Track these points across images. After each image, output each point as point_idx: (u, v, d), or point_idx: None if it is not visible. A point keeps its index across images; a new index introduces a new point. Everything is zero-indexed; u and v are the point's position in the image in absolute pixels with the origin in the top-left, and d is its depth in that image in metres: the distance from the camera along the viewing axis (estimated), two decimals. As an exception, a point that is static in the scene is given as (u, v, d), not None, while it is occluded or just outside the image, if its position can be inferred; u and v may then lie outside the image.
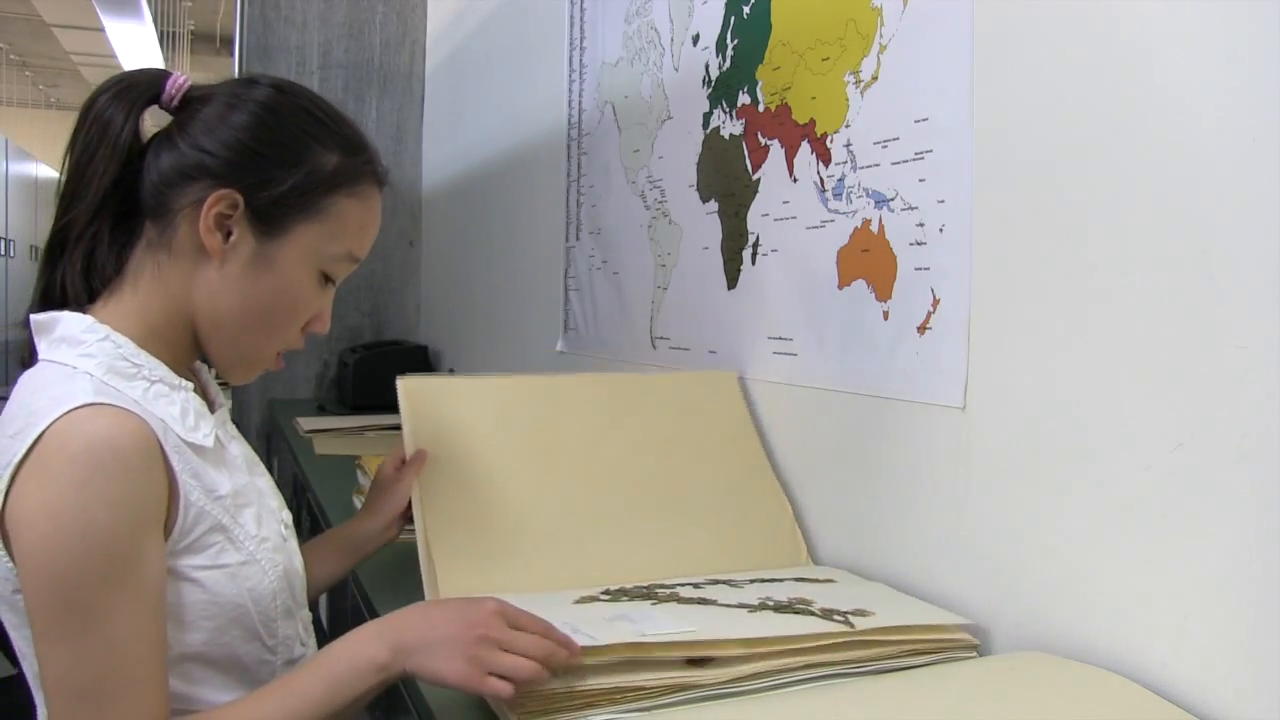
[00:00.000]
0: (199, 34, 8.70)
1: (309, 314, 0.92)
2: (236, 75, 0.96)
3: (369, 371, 2.80)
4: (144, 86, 0.89)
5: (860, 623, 0.86)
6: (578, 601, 0.94)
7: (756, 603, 0.91)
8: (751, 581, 1.01)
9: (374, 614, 1.08)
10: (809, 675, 0.81)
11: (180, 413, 0.85)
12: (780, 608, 0.90)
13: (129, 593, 0.75)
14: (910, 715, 0.74)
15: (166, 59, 8.28)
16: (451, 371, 2.80)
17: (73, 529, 0.74)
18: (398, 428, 2.40)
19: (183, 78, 0.90)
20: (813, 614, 0.89)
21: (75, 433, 0.75)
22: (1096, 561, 0.81)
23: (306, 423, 2.33)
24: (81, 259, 0.88)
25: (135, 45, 7.58)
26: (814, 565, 1.13)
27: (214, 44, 8.79)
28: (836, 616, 0.88)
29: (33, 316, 0.86)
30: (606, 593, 0.97)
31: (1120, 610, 0.79)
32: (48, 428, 0.75)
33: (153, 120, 0.91)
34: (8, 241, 5.34)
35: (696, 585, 1.00)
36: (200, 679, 0.84)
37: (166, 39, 8.24)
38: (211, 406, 0.98)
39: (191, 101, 0.89)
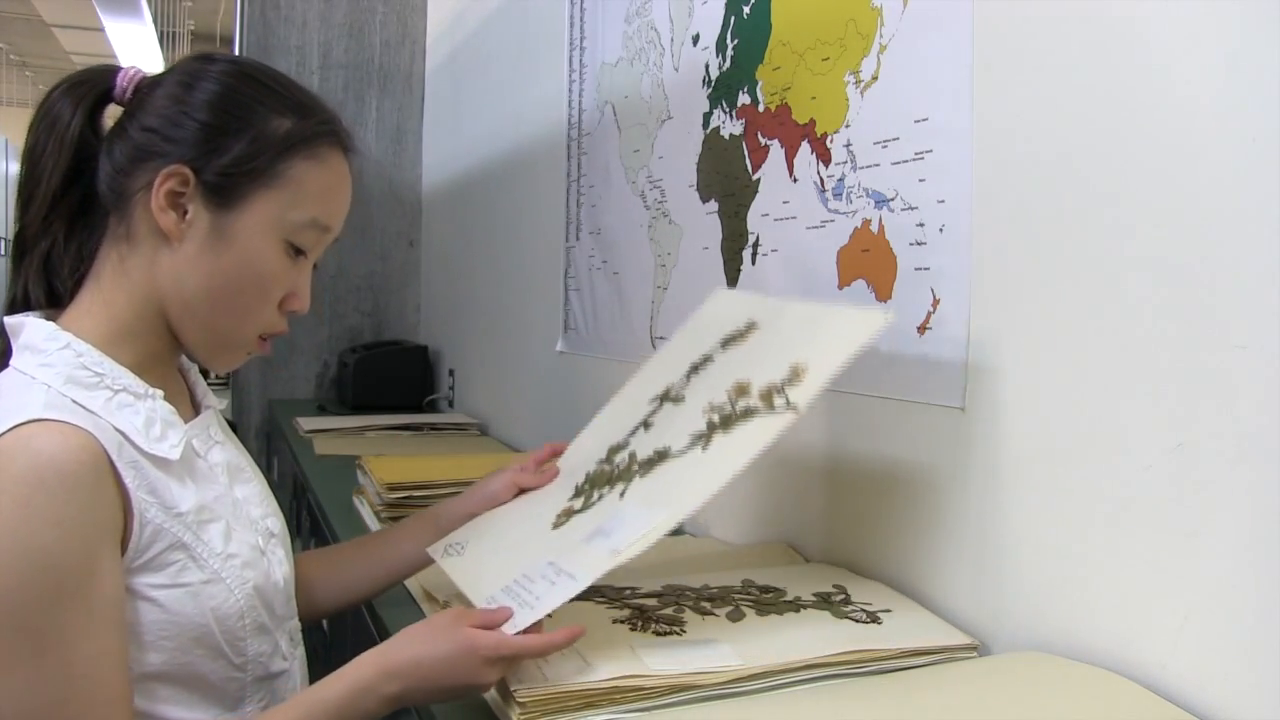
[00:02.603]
0: (199, 34, 8.69)
1: (281, 290, 0.88)
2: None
3: (369, 371, 2.80)
4: (94, 82, 0.88)
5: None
6: (555, 526, 0.93)
7: (706, 428, 0.89)
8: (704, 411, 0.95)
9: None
10: (809, 676, 0.81)
11: (144, 423, 0.81)
12: (726, 420, 0.88)
13: (83, 613, 0.73)
14: (910, 715, 0.74)
15: (166, 59, 8.27)
16: (452, 373, 2.80)
17: (17, 550, 0.71)
18: (397, 428, 2.42)
19: (134, 70, 0.89)
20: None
21: (18, 450, 0.73)
22: (1096, 561, 0.81)
23: (306, 423, 2.33)
24: (39, 261, 0.87)
25: (135, 45, 7.57)
26: (806, 562, 1.13)
27: (214, 44, 8.79)
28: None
29: (6, 320, 0.84)
30: (575, 492, 0.97)
31: (1120, 610, 0.79)
32: None
33: (113, 118, 0.90)
34: (7, 241, 5.34)
35: (646, 425, 0.99)
36: (164, 697, 0.81)
37: (166, 39, 8.24)
38: (198, 408, 0.95)
39: (142, 90, 0.88)
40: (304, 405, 2.80)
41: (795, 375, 0.87)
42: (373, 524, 1.46)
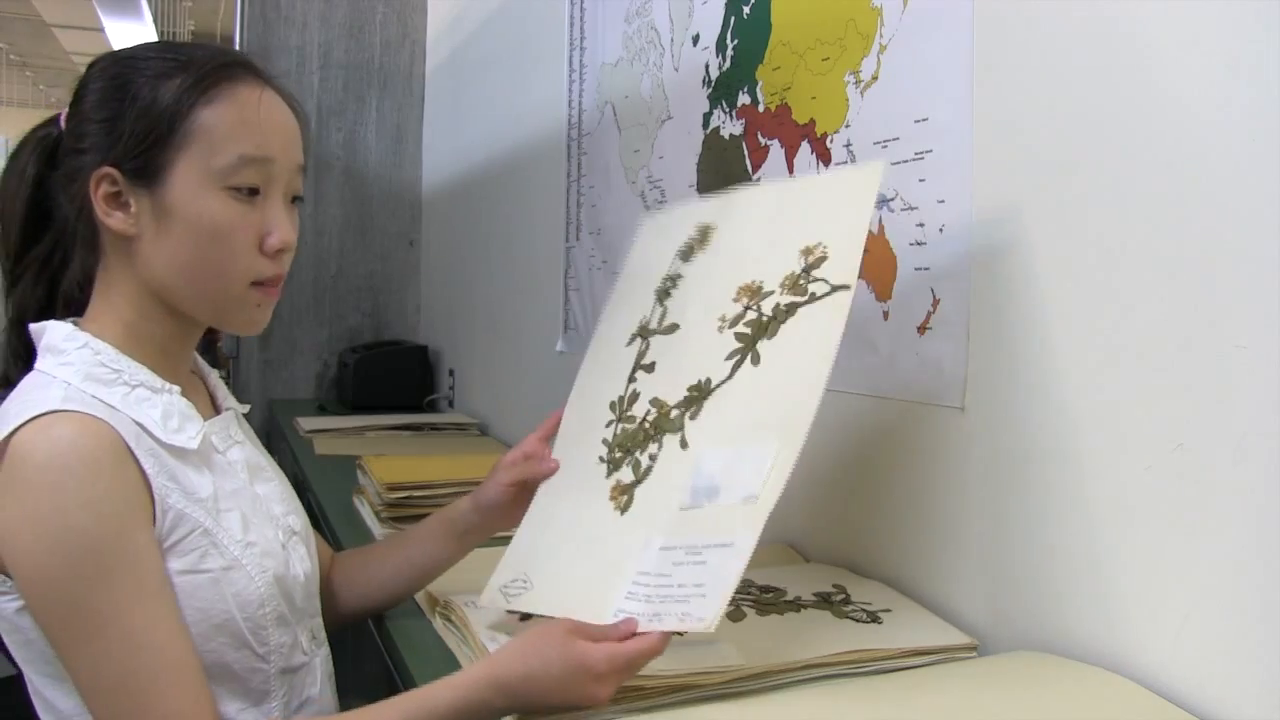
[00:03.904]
0: (199, 34, 8.69)
1: (246, 237, 0.87)
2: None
3: (369, 371, 2.80)
4: (44, 131, 0.92)
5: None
6: (621, 510, 0.85)
7: (739, 342, 0.85)
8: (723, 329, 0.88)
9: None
10: (809, 676, 0.81)
11: (162, 416, 0.84)
12: (762, 326, 0.83)
13: (130, 587, 0.75)
14: (910, 715, 0.74)
15: (167, 59, 8.26)
16: (452, 373, 2.80)
17: (54, 535, 0.74)
18: (397, 428, 2.41)
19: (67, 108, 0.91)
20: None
21: (39, 440, 0.76)
22: (1096, 561, 0.81)
23: (306, 423, 2.33)
24: (15, 314, 0.91)
25: (135, 45, 7.57)
26: (806, 563, 1.13)
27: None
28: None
29: (30, 327, 0.88)
30: (609, 464, 0.90)
31: (1120, 610, 0.79)
32: (11, 435, 0.76)
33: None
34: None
35: (647, 368, 0.93)
36: None
37: (166, 39, 8.24)
38: (217, 409, 0.97)
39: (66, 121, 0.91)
40: (304, 405, 2.80)
41: (813, 255, 0.82)
42: (373, 524, 1.46)
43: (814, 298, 0.81)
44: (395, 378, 2.83)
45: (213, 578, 0.83)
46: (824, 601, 0.95)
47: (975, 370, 0.93)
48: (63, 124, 0.91)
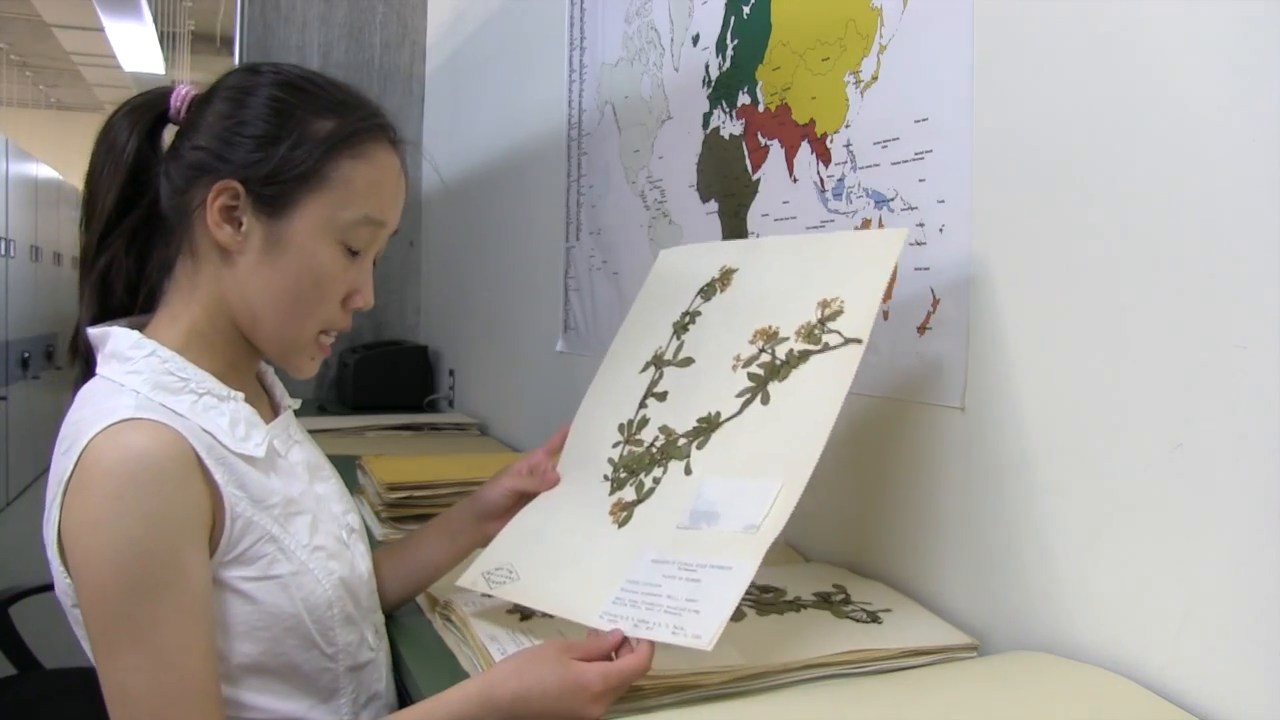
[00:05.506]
0: (199, 34, 8.68)
1: (340, 290, 0.89)
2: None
3: (369, 372, 2.80)
4: (151, 104, 0.91)
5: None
6: (620, 524, 0.87)
7: (751, 381, 0.87)
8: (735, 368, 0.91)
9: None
10: (809, 676, 0.81)
11: (229, 424, 0.84)
12: (774, 370, 0.86)
13: (172, 603, 0.75)
14: (910, 715, 0.74)
15: (166, 59, 8.26)
16: (452, 373, 2.80)
17: (109, 541, 0.74)
18: (397, 428, 2.41)
19: (185, 88, 0.91)
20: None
21: (111, 447, 0.76)
22: (1096, 561, 0.81)
23: (306, 423, 2.31)
24: (97, 278, 0.89)
25: (135, 45, 7.57)
26: (806, 563, 1.13)
27: (214, 44, 8.78)
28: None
29: (89, 331, 0.87)
30: (613, 483, 0.92)
31: (1120, 610, 0.79)
32: (89, 443, 0.76)
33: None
34: (8, 242, 5.31)
35: (659, 396, 0.95)
36: (260, 688, 0.84)
37: (166, 39, 8.22)
38: (276, 410, 0.98)
39: (193, 108, 0.90)
40: (304, 405, 2.80)
41: (829, 308, 0.85)
42: (373, 524, 1.46)
43: (827, 348, 0.85)
44: (395, 378, 2.84)
45: (281, 583, 0.83)
46: (824, 601, 0.95)
47: (975, 370, 0.93)
48: (179, 105, 0.89)
